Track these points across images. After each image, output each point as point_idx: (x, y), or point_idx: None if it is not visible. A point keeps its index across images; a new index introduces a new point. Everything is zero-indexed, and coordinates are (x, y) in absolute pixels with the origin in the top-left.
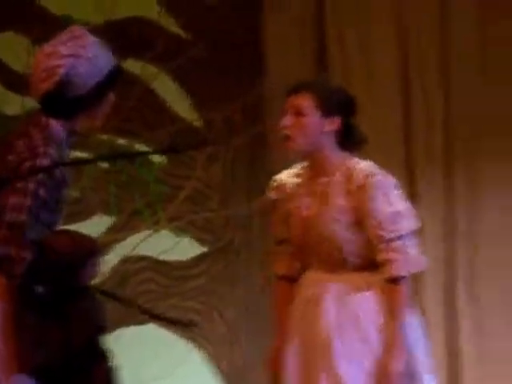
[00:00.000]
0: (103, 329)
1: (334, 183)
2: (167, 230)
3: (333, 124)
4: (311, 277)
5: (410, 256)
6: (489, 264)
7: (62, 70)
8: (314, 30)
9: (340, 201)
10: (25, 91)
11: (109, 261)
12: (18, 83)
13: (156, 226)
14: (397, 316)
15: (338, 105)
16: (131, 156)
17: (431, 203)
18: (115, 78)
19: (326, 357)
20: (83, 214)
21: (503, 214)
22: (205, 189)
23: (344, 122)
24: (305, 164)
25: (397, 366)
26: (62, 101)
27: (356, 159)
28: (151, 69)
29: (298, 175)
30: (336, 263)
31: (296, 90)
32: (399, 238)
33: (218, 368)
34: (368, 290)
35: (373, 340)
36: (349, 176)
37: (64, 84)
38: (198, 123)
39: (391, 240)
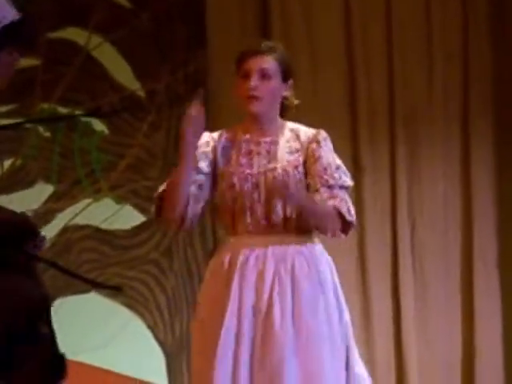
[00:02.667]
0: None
1: (281, 144)
2: (109, 199)
3: (288, 88)
4: (244, 240)
5: (349, 207)
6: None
7: None
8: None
9: (289, 157)
10: None
11: (50, 230)
12: None
13: (97, 194)
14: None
15: (291, 68)
16: (58, 119)
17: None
18: (14, 35)
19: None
20: (24, 183)
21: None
22: (147, 157)
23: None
24: (231, 128)
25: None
26: None
27: (294, 123)
28: (95, 38)
29: (228, 138)
30: (270, 224)
31: (261, 52)
32: (341, 187)
33: (157, 337)
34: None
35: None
36: (295, 136)
37: None
38: (140, 92)
39: (333, 186)
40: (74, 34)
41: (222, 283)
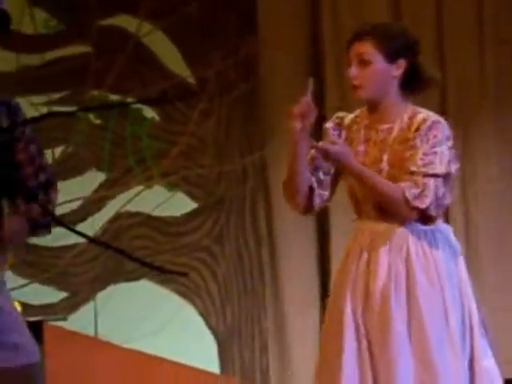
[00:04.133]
0: None
1: (394, 131)
2: (160, 186)
3: (399, 68)
4: (364, 226)
5: (426, 195)
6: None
7: None
8: None
9: (398, 147)
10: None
11: (102, 217)
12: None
13: (149, 181)
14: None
15: (402, 47)
16: (111, 107)
17: None
18: None
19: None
20: (76, 170)
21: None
22: (198, 144)
23: (409, 64)
24: (361, 110)
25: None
26: None
27: (417, 108)
28: (145, 25)
29: (354, 122)
30: (379, 210)
31: (357, 37)
32: (426, 174)
33: (209, 325)
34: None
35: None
36: (410, 124)
37: None
38: (191, 79)
39: (415, 173)
40: (125, 21)
41: (343, 272)
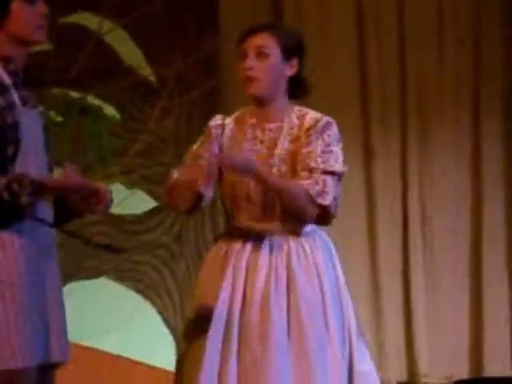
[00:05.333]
0: None
1: (284, 130)
2: (120, 184)
3: (292, 68)
4: (241, 228)
5: (327, 192)
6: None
7: None
8: None
9: (289, 146)
10: None
11: None
12: None
13: (108, 179)
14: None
15: (297, 47)
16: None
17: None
18: None
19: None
20: None
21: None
22: (158, 142)
23: (299, 66)
24: (242, 111)
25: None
26: None
27: (305, 108)
28: (106, 23)
29: (237, 121)
30: (265, 210)
31: (258, 30)
32: (325, 171)
33: (167, 323)
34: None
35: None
36: (300, 124)
37: None
38: (151, 78)
39: (314, 170)
40: (86, 18)
41: (217, 270)
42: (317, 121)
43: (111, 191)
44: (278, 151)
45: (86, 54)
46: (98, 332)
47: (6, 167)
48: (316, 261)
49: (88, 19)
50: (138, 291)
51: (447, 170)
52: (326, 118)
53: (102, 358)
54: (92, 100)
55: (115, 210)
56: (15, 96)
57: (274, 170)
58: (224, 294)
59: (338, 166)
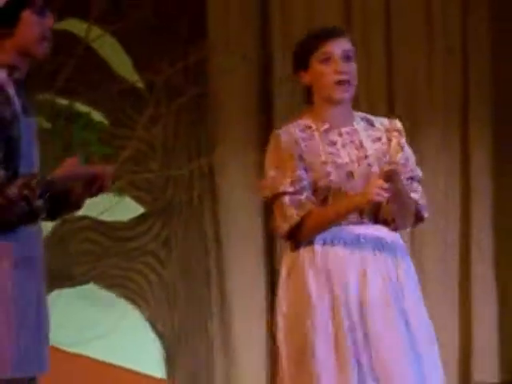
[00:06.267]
0: None
1: (360, 132)
2: (108, 190)
3: None
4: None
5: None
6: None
7: None
8: None
9: (374, 145)
10: None
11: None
12: None
13: None
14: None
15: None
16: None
17: None
18: None
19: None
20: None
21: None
22: (146, 149)
23: None
24: (301, 118)
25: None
26: None
27: (357, 111)
28: (95, 29)
29: (302, 130)
30: (363, 214)
31: (341, 33)
32: (419, 180)
33: (156, 330)
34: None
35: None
36: (371, 125)
37: None
38: (139, 84)
39: (414, 179)
40: (74, 25)
41: (312, 278)
42: (390, 121)
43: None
44: (370, 152)
45: (74, 61)
46: (85, 339)
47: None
48: (410, 264)
49: (76, 26)
50: (126, 298)
51: (436, 177)
52: (398, 121)
53: (89, 364)
54: (80, 107)
55: (103, 216)
56: (18, 107)
57: (372, 169)
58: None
59: (418, 170)
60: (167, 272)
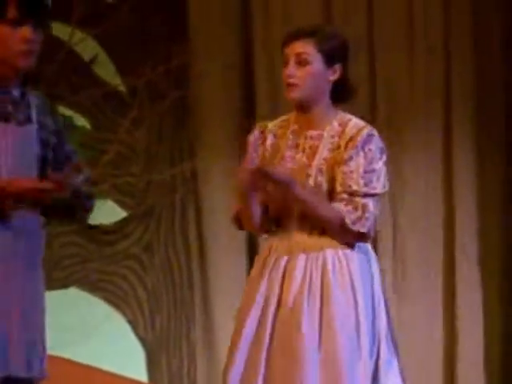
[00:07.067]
0: None
1: (324, 138)
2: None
3: (335, 73)
4: (279, 238)
5: (366, 218)
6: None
7: None
8: None
9: (328, 154)
10: None
11: None
12: None
13: None
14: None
15: (340, 51)
16: None
17: None
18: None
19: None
20: None
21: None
22: (128, 153)
23: (343, 70)
24: (288, 116)
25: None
26: None
27: (348, 114)
28: (77, 33)
29: (280, 126)
30: (302, 222)
31: (297, 36)
32: (366, 194)
33: (137, 333)
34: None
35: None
36: (341, 132)
37: None
38: (121, 88)
39: (355, 193)
40: (57, 29)
41: (259, 269)
42: (359, 130)
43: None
44: (315, 162)
45: (57, 65)
46: (67, 342)
47: None
48: (352, 273)
49: (58, 29)
50: (108, 301)
51: (418, 181)
52: (367, 130)
53: (71, 368)
54: (63, 110)
55: None
56: None
57: (310, 180)
58: (259, 299)
59: (379, 186)
60: (149, 276)
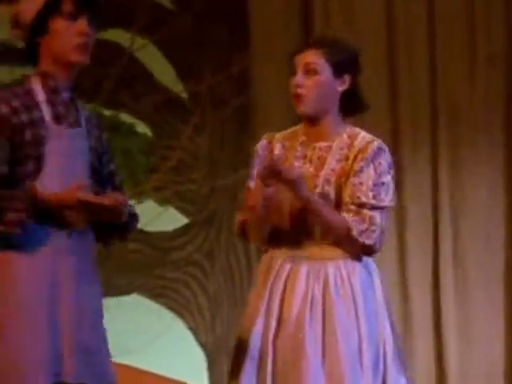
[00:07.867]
0: None
1: (333, 149)
2: (151, 201)
3: (343, 83)
4: (282, 250)
5: (373, 230)
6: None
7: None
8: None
9: (336, 165)
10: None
11: None
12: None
13: (140, 196)
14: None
15: (349, 62)
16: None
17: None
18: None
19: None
20: None
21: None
22: (190, 159)
23: (353, 82)
24: (296, 128)
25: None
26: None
27: (357, 128)
28: (138, 40)
29: (288, 138)
30: (305, 233)
31: (306, 46)
32: (374, 207)
33: (198, 339)
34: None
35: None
36: (350, 144)
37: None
38: (183, 94)
39: (364, 205)
40: (118, 35)
41: (260, 285)
42: (368, 144)
43: (125, 199)
44: (323, 172)
45: (118, 71)
46: (129, 349)
47: (22, 182)
48: (353, 287)
49: (120, 36)
50: (170, 308)
51: (479, 184)
52: (377, 143)
53: (133, 375)
54: (124, 117)
55: (147, 227)
56: (46, 113)
57: (317, 190)
58: (259, 319)
59: (387, 199)
60: (210, 282)
